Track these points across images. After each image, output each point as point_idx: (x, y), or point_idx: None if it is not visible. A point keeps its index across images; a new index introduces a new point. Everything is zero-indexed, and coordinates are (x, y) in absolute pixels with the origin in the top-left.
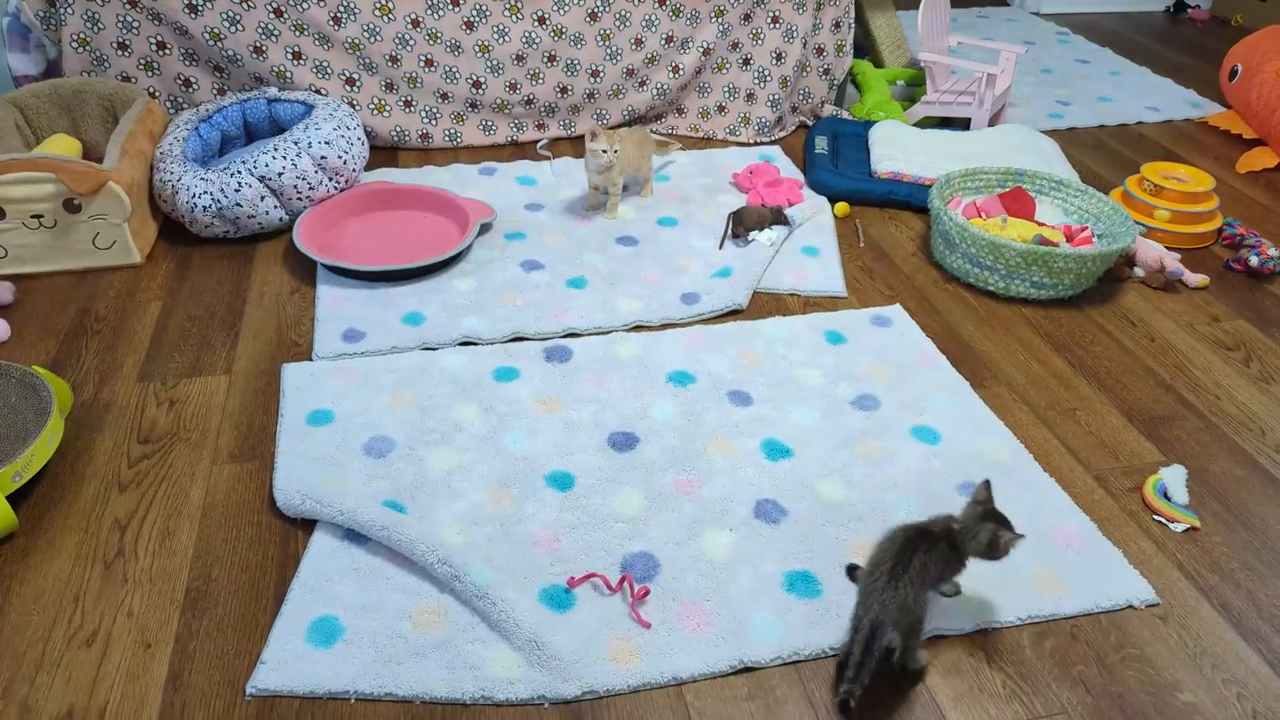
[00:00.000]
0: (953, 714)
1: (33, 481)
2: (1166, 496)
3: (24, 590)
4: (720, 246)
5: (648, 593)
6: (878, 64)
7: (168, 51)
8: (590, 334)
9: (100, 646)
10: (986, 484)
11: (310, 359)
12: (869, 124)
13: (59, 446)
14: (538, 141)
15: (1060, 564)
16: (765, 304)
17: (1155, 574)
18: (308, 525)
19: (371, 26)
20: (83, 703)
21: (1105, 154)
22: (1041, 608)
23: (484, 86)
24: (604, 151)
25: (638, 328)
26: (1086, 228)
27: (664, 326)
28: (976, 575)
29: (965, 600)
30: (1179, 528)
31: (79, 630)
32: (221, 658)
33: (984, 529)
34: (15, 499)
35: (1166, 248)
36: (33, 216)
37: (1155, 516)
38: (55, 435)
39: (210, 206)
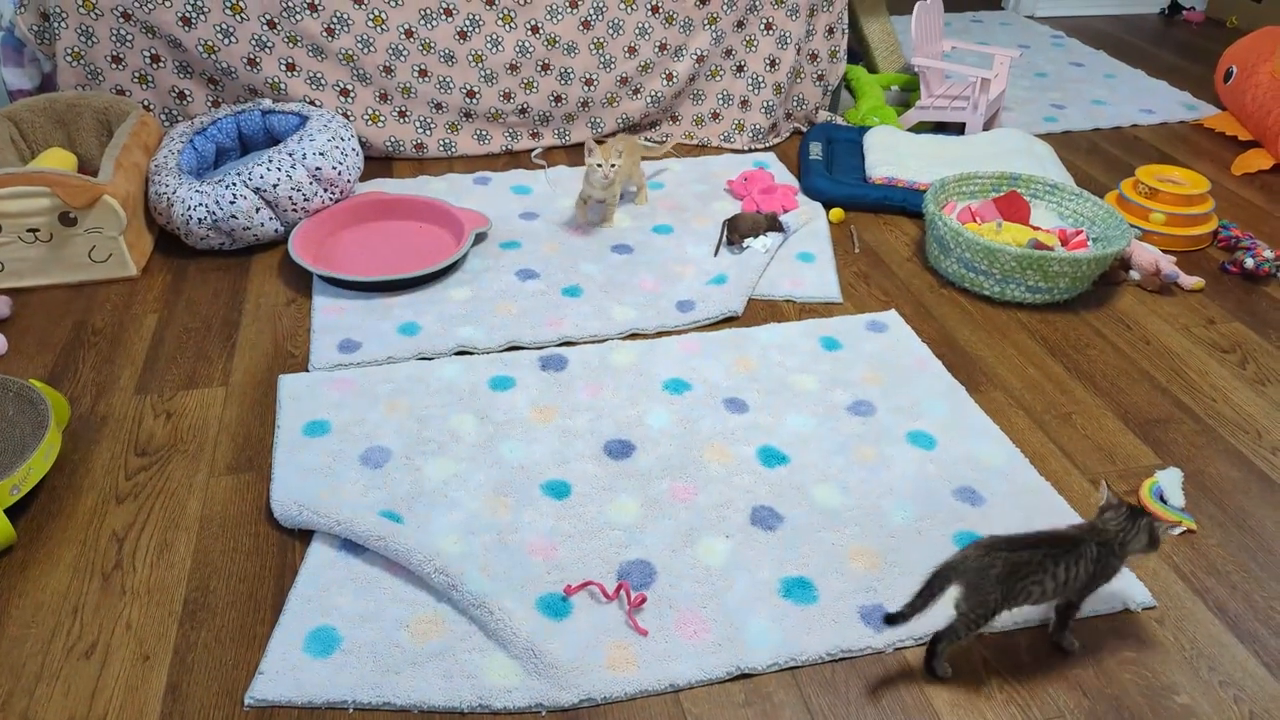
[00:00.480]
0: (949, 719)
1: (30, 495)
2: (1163, 499)
3: (23, 603)
4: (715, 254)
5: (644, 600)
6: (872, 69)
7: (162, 64)
8: (586, 342)
9: (99, 658)
10: (1106, 484)
11: (306, 370)
12: (863, 129)
13: (56, 459)
14: (532, 150)
15: None
16: (761, 311)
17: (1151, 577)
18: (305, 536)
19: (365, 37)
20: (82, 714)
21: (1100, 157)
22: (1038, 612)
23: (478, 96)
24: (599, 166)
25: (633, 336)
26: (1081, 231)
27: (659, 334)
28: None
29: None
30: (1175, 531)
31: (78, 642)
32: (220, 669)
33: (1142, 526)
34: (13, 512)
35: (1162, 250)
36: (28, 230)
37: None
38: (53, 448)
39: (205, 219)
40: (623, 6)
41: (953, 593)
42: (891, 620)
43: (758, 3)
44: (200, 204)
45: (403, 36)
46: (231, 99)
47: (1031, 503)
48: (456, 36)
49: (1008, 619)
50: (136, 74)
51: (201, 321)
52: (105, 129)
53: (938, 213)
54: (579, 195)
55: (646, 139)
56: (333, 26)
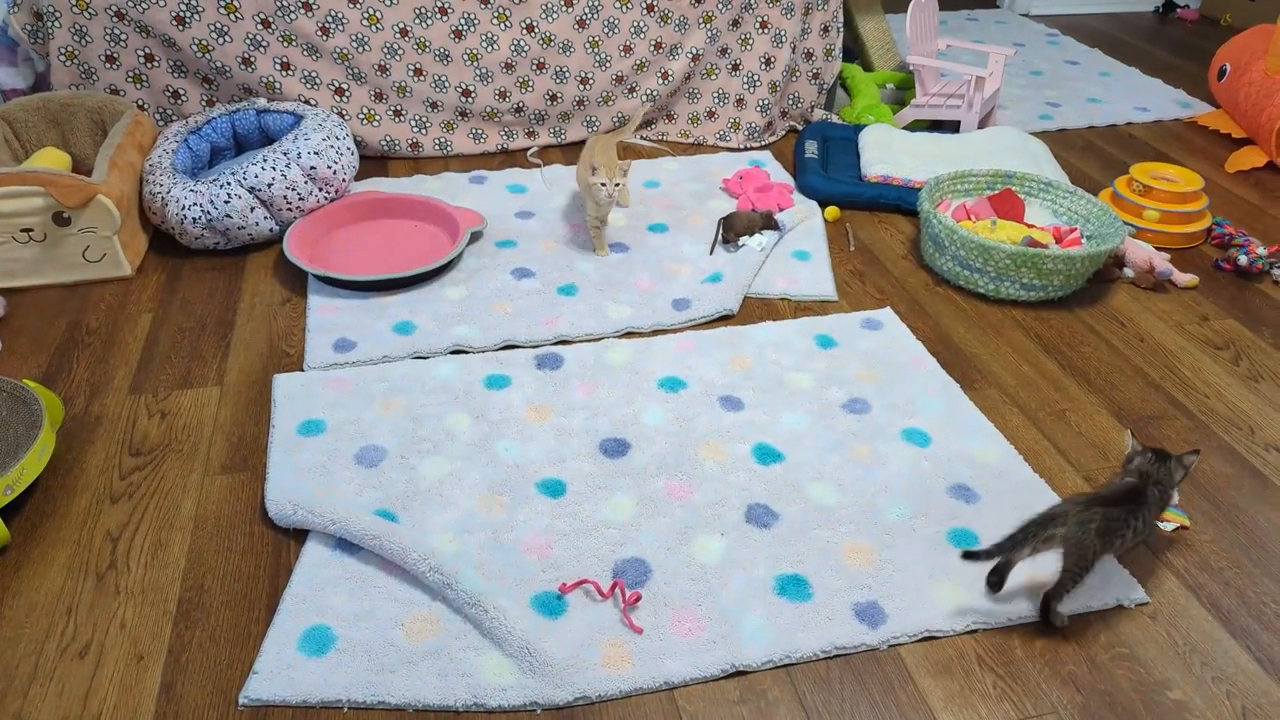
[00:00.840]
0: (944, 715)
1: (24, 495)
2: None
3: (16, 603)
4: (711, 252)
5: (639, 598)
6: (867, 68)
7: (156, 64)
8: (581, 341)
9: (93, 658)
10: (1131, 433)
11: (301, 369)
12: (858, 128)
13: (50, 460)
14: (528, 149)
15: (1049, 564)
16: (756, 309)
17: (1145, 573)
18: (300, 535)
19: (360, 36)
20: (76, 714)
21: (1095, 155)
22: (1032, 608)
23: (473, 95)
24: (603, 185)
25: (629, 334)
26: (1075, 229)
27: (655, 333)
28: (965, 574)
29: (956, 600)
30: (1168, 527)
31: (71, 642)
32: (214, 668)
33: (1174, 465)
34: (6, 513)
35: (1156, 248)
36: (22, 230)
37: None
38: (46, 449)
39: (200, 218)
40: (618, 5)
41: (1043, 546)
42: (970, 556)
43: (753, 1)
44: (195, 203)
45: (398, 35)
46: (226, 98)
47: (1026, 500)
48: (451, 35)
49: (1003, 617)
50: (131, 73)
51: (196, 321)
52: (99, 128)
53: (933, 210)
54: (590, 220)
55: (643, 138)
56: (327, 25)
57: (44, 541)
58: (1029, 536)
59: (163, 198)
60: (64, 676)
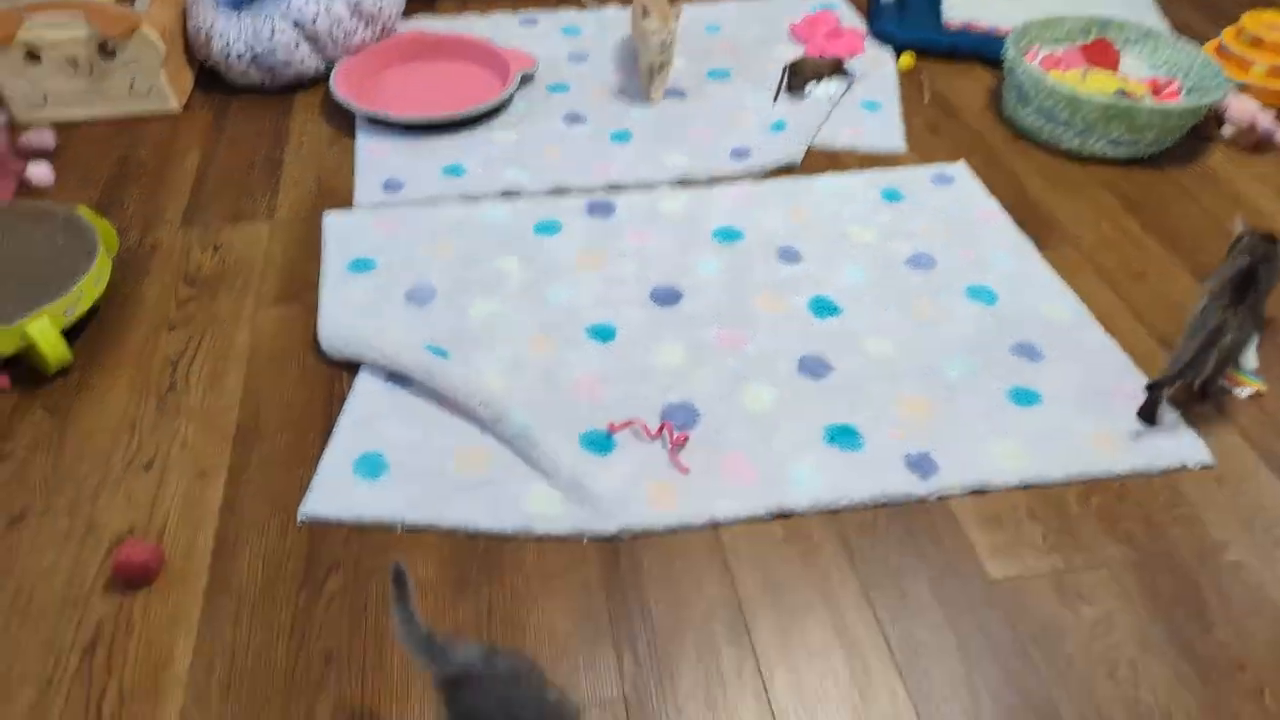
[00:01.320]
0: (990, 563)
1: (84, 321)
2: (1235, 362)
3: (81, 420)
4: (775, 99)
5: (686, 440)
6: None
7: None
8: (634, 188)
9: (157, 472)
10: (1241, 218)
11: (351, 208)
12: None
13: (106, 289)
14: None
15: (1117, 424)
16: (820, 160)
17: (1214, 437)
18: (352, 368)
19: None
20: (143, 523)
21: (1202, 2)
22: (1092, 466)
23: None
24: (655, 32)
25: (684, 183)
26: (1175, 80)
27: (712, 182)
28: (1023, 431)
29: (1012, 456)
30: (1244, 392)
31: (136, 455)
32: (273, 487)
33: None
34: (68, 337)
35: (1262, 105)
36: (68, 61)
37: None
38: (103, 274)
39: (245, 53)
40: None
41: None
42: (1154, 387)
43: None
44: (239, 37)
45: None
46: None
47: (1094, 359)
48: None
49: (1060, 473)
50: None
51: (244, 159)
52: None
53: (1018, 58)
54: (641, 67)
55: None
56: None
57: (106, 364)
58: (1207, 356)
59: (206, 32)
60: (130, 487)
